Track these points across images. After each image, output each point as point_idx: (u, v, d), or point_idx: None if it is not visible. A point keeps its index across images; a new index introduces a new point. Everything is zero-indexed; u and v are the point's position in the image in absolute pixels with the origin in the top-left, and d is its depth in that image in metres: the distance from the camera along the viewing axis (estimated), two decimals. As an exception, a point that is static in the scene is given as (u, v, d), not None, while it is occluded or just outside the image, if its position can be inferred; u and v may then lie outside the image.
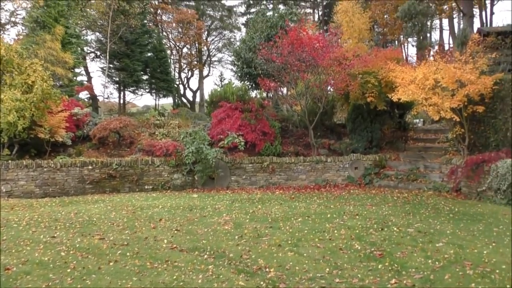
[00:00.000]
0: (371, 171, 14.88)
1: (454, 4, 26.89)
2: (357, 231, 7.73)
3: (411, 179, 13.87)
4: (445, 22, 34.49)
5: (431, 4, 27.38)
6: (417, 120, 20.34)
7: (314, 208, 10.19)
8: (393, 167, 15.00)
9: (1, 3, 27.68)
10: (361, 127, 15.95)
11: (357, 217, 8.99)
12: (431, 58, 13.96)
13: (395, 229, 7.83)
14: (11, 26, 30.73)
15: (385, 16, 31.22)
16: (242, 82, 23.24)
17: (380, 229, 7.83)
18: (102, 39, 31.39)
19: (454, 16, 31.18)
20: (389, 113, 16.81)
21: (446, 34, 36.80)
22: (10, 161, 13.06)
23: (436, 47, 30.46)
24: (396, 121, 17.23)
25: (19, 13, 30.05)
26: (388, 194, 12.32)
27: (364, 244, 6.89)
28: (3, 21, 30.01)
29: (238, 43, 29.41)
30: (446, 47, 30.11)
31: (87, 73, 32.51)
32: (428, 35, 33.92)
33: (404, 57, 28.38)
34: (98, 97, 31.59)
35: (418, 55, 25.24)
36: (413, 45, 36.96)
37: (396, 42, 35.01)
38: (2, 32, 29.63)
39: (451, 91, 11.98)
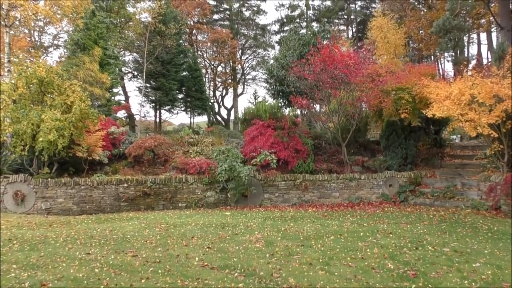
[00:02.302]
0: (406, 189, 14.61)
1: (492, 18, 26.33)
2: (391, 250, 7.58)
3: (447, 196, 13.53)
4: (484, 36, 33.77)
5: (467, 19, 26.95)
6: (454, 136, 19.87)
7: (347, 226, 10.06)
8: (429, 185, 14.68)
9: (44, 27, 28.97)
10: (395, 143, 15.71)
11: (391, 235, 8.82)
12: (469, 73, 13.68)
13: (430, 248, 7.65)
14: (54, 49, 32.14)
15: (420, 32, 30.89)
16: (275, 99, 23.32)
17: (414, 248, 7.66)
18: (139, 59, 32.29)
19: (493, 30, 30.48)
20: (424, 130, 16.54)
21: (485, 48, 35.98)
22: (49, 179, 13.49)
23: (474, 62, 29.90)
24: (432, 137, 16.89)
25: (61, 36, 31.44)
26: (423, 212, 12.05)
27: (398, 263, 6.75)
28: (46, 44, 31.41)
29: (271, 61, 29.63)
30: (485, 62, 29.48)
31: (125, 92, 33.48)
32: (466, 49, 33.26)
33: (440, 73, 27.95)
34: (135, 116, 32.41)
35: (455, 70, 24.78)
36: (448, 60, 36.34)
37: (432, 57, 34.49)
38: (45, 54, 30.97)
39: (489, 107, 11.70)
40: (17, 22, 18.71)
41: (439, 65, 35.68)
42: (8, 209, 12.96)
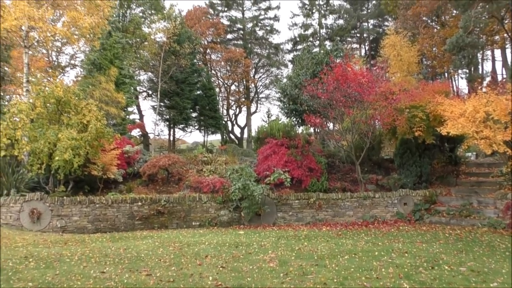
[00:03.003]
0: (421, 207, 14.46)
1: (506, 34, 26.22)
2: (406, 269, 7.49)
3: (463, 215, 13.36)
4: (498, 52, 33.51)
5: (481, 36, 26.83)
6: (470, 154, 19.69)
7: (362, 245, 9.98)
8: (445, 203, 14.52)
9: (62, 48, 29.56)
10: (410, 162, 15.62)
11: (406, 255, 8.72)
12: (483, 90, 13.63)
13: (446, 267, 7.54)
14: (71, 69, 32.76)
15: (434, 49, 30.81)
16: (289, 118, 23.37)
17: (430, 268, 7.56)
18: (154, 78, 32.71)
19: (507, 46, 30.30)
20: (438, 147, 16.43)
21: (499, 65, 35.69)
22: (65, 198, 13.62)
23: (488, 79, 29.69)
24: (447, 155, 16.76)
25: (78, 56, 32.06)
26: (439, 231, 11.91)
27: (413, 283, 6.66)
28: (63, 64, 32.02)
29: (284, 80, 29.78)
30: (500, 78, 29.26)
31: (139, 111, 33.84)
32: (480, 66, 33.05)
33: (454, 90, 27.80)
34: (149, 135, 32.68)
35: (469, 88, 24.65)
36: (462, 78, 36.12)
37: (446, 74, 34.32)
38: (62, 74, 31.54)
39: (504, 124, 11.61)
40: (35, 43, 19.12)
41: (453, 83, 35.46)
42: (24, 226, 13.09)
